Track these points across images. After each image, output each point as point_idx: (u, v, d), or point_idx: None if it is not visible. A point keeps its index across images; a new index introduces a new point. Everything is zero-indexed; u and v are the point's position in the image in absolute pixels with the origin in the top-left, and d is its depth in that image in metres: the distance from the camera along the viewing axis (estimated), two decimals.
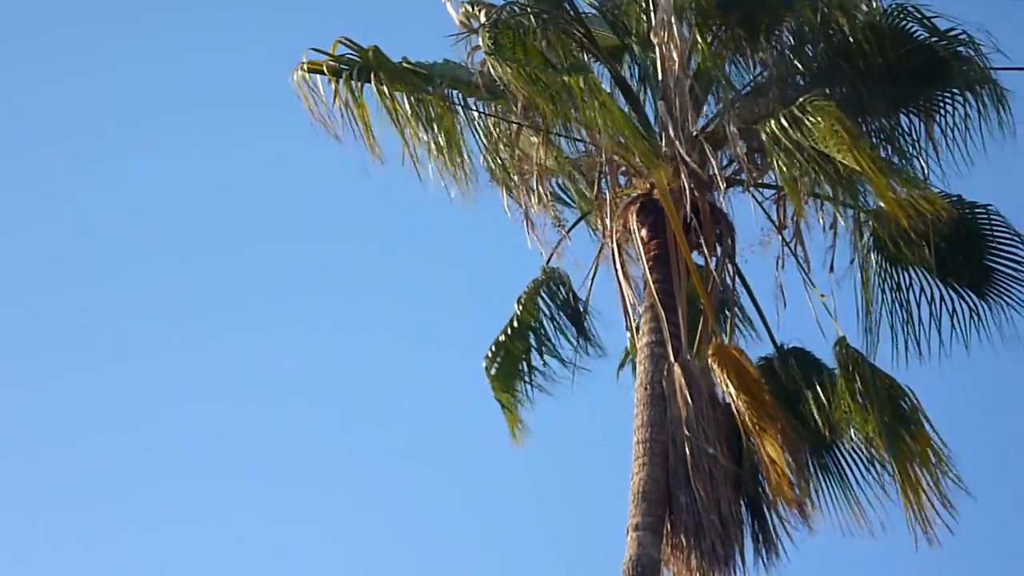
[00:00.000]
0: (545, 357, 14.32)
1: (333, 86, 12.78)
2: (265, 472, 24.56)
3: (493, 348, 14.30)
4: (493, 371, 14.28)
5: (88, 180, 26.88)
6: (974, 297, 13.02)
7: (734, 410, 12.58)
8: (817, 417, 13.06)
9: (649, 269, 12.76)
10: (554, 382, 14.31)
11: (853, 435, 13.09)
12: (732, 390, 12.51)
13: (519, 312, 14.31)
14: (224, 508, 24.56)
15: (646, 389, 12.34)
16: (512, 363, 14.28)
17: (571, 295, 14.34)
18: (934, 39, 12.95)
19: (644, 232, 12.90)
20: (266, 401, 25.56)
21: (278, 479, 24.59)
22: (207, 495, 24.37)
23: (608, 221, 13.27)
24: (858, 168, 11.63)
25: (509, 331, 14.29)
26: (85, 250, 26.63)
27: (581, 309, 14.32)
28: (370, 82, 12.78)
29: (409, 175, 12.86)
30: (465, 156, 12.93)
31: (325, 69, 12.83)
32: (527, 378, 14.29)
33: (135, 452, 24.83)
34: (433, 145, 12.80)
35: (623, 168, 13.37)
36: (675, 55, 13.07)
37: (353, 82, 12.78)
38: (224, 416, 25.14)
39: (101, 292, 26.64)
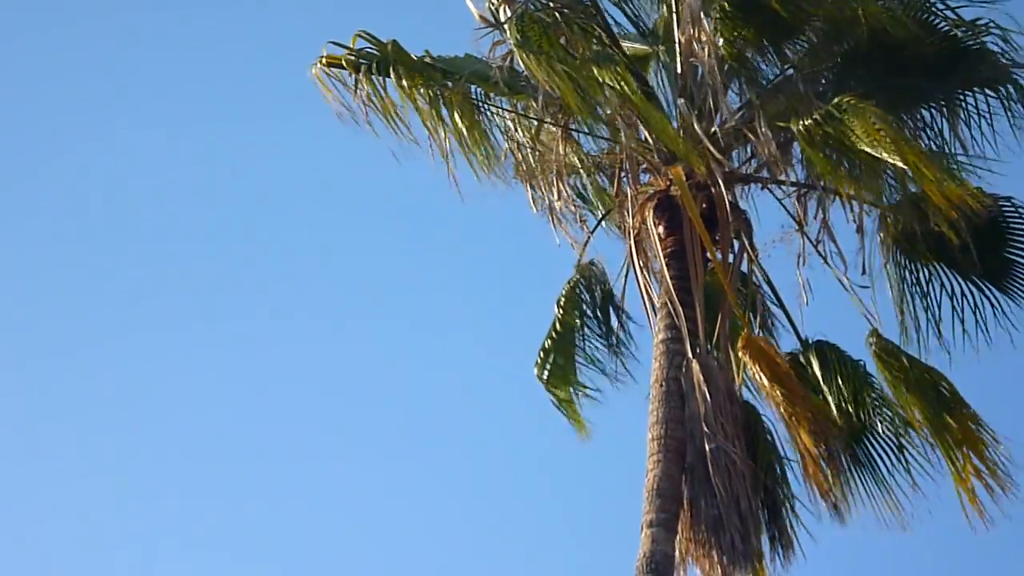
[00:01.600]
0: (589, 357, 14.24)
1: (353, 79, 12.79)
2: (274, 463, 24.82)
3: (541, 355, 14.20)
4: (546, 376, 14.20)
5: (87, 179, 27.10)
6: (995, 291, 12.97)
7: (766, 401, 12.65)
8: (848, 409, 13.02)
9: (666, 265, 12.74)
10: (600, 381, 14.25)
11: (882, 427, 13.09)
12: (765, 381, 12.55)
13: (560, 315, 14.24)
14: (226, 505, 24.73)
15: (661, 386, 12.32)
16: (563, 366, 14.18)
17: (605, 293, 14.28)
18: (960, 31, 12.92)
19: (661, 228, 12.88)
20: (275, 392, 25.68)
21: (285, 471, 24.82)
22: (212, 487, 24.54)
23: (629, 218, 13.24)
24: (903, 164, 11.58)
25: (554, 335, 14.22)
26: (86, 242, 26.81)
27: (611, 308, 14.27)
28: (390, 76, 12.80)
29: (424, 170, 12.93)
30: (488, 148, 12.92)
31: (344, 63, 12.85)
32: (577, 378, 14.20)
33: (137, 442, 25.13)
34: (455, 137, 12.80)
35: (643, 164, 13.34)
36: (702, 49, 13.00)
37: (374, 76, 12.80)
38: (230, 409, 25.26)
39: (101, 284, 27.02)
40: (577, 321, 14.24)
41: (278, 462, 24.66)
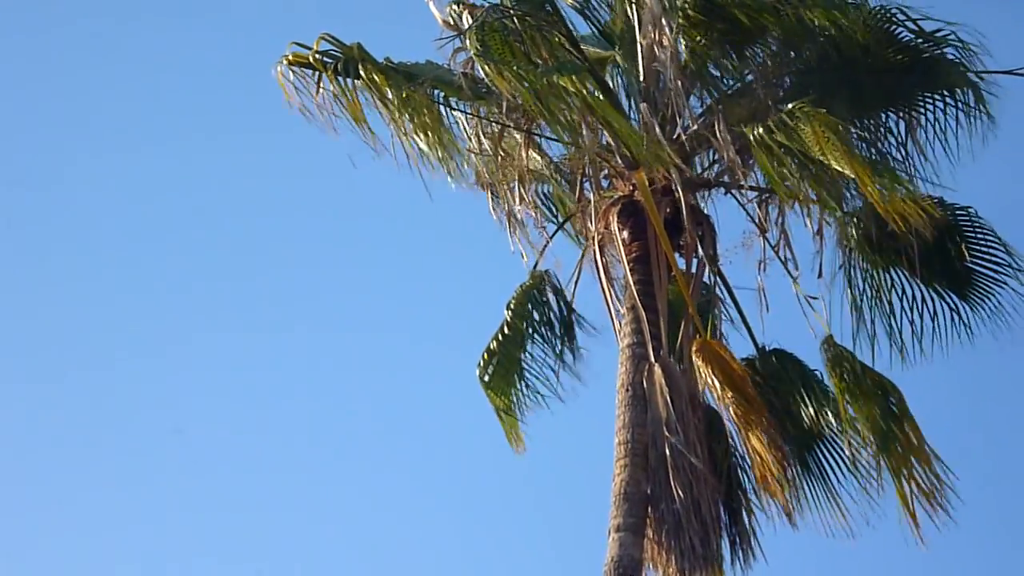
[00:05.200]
0: (537, 363, 14.19)
1: (317, 79, 12.70)
2: (263, 472, 24.77)
3: (485, 356, 14.15)
4: (487, 378, 14.13)
5: (88, 182, 26.97)
6: (955, 299, 13.08)
7: (720, 405, 12.71)
8: (801, 416, 13.14)
9: (630, 270, 12.79)
10: (548, 388, 14.16)
11: (836, 435, 13.14)
12: (717, 385, 12.57)
13: (509, 318, 14.19)
14: (222, 506, 24.76)
15: (627, 390, 12.37)
16: (505, 370, 14.13)
17: (560, 299, 14.25)
18: (919, 41, 13.03)
19: (625, 234, 12.92)
20: (261, 403, 25.76)
21: (276, 479, 24.82)
22: (202, 494, 24.51)
23: (591, 223, 13.26)
24: (850, 173, 11.68)
25: (500, 337, 14.14)
26: (86, 251, 26.82)
27: (568, 313, 14.25)
28: (355, 76, 12.70)
29: (393, 174, 12.87)
30: (450, 152, 12.88)
31: (311, 60, 12.71)
32: (521, 385, 14.14)
33: (135, 452, 25.06)
34: (419, 140, 12.75)
35: (606, 170, 13.36)
36: (663, 54, 13.05)
37: (339, 77, 12.71)
38: (222, 416, 25.41)
39: (101, 292, 26.89)
40: (525, 326, 14.20)
41: (268, 473, 24.85)
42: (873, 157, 13.15)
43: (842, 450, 13.11)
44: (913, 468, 12.60)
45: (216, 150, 26.96)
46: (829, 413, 13.15)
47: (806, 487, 13.20)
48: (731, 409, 12.60)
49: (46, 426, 25.16)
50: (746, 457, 13.02)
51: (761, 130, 12.24)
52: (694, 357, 12.76)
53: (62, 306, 26.26)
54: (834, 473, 13.18)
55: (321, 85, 12.66)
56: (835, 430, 13.17)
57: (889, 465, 12.70)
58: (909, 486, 12.58)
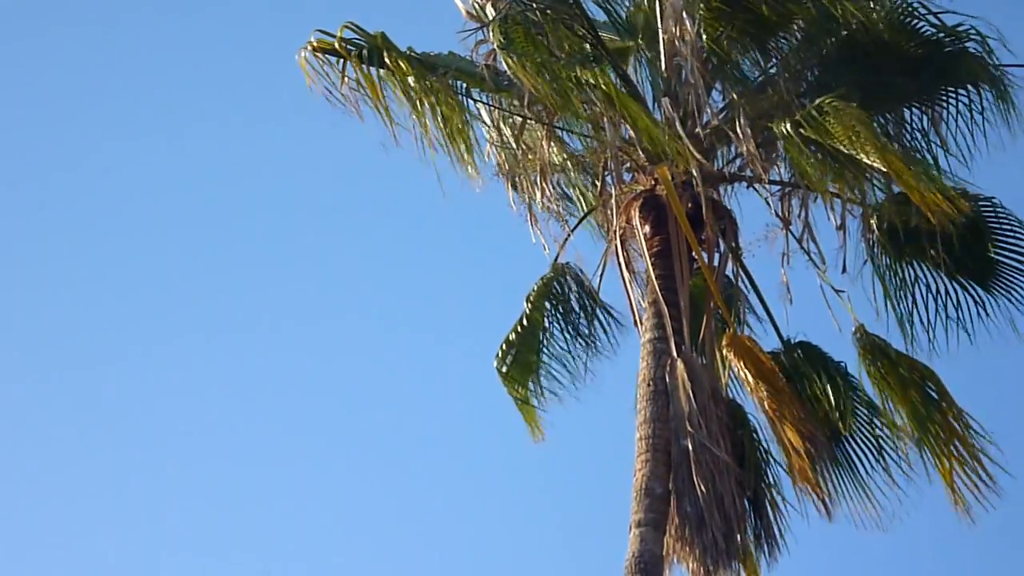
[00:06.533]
0: (556, 356, 14.21)
1: (342, 66, 12.68)
2: (269, 467, 24.89)
3: (503, 347, 14.17)
4: (505, 369, 14.15)
5: (87, 179, 27.10)
6: (979, 290, 13.03)
7: (753, 399, 12.70)
8: (828, 408, 13.08)
9: (652, 265, 12.76)
10: (567, 381, 14.19)
11: (866, 425, 13.12)
12: (750, 379, 12.62)
13: (528, 310, 14.20)
14: (223, 509, 24.81)
15: (648, 385, 12.34)
16: (524, 361, 14.15)
17: (582, 292, 14.25)
18: (941, 35, 13.01)
19: (647, 228, 12.89)
20: (270, 399, 25.75)
21: (283, 475, 24.85)
22: (208, 494, 24.60)
23: (613, 217, 13.24)
24: (882, 166, 11.64)
25: (519, 329, 14.16)
26: (86, 248, 26.92)
27: (591, 306, 14.24)
28: (379, 65, 12.70)
29: (405, 167, 12.88)
30: (472, 143, 12.88)
31: (337, 46, 12.69)
32: (540, 376, 14.17)
33: (138, 449, 25.16)
34: (440, 131, 12.73)
35: (628, 164, 13.34)
36: (685, 48, 13.04)
37: (363, 65, 12.69)
38: (228, 415, 25.45)
39: (101, 290, 27.01)
40: (545, 319, 14.19)
41: (272, 467, 24.99)
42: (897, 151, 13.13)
43: (871, 441, 13.10)
44: (957, 450, 12.61)
45: (219, 149, 27.06)
46: (858, 404, 13.14)
47: (835, 480, 13.14)
48: (765, 403, 12.59)
49: (46, 425, 25.35)
50: (772, 450, 13.01)
51: (789, 125, 12.21)
52: (725, 351, 12.85)
53: (61, 306, 26.43)
54: (863, 465, 13.14)
55: (346, 73, 12.66)
56: (864, 420, 13.15)
57: (932, 449, 12.72)
58: (952, 467, 12.59)
